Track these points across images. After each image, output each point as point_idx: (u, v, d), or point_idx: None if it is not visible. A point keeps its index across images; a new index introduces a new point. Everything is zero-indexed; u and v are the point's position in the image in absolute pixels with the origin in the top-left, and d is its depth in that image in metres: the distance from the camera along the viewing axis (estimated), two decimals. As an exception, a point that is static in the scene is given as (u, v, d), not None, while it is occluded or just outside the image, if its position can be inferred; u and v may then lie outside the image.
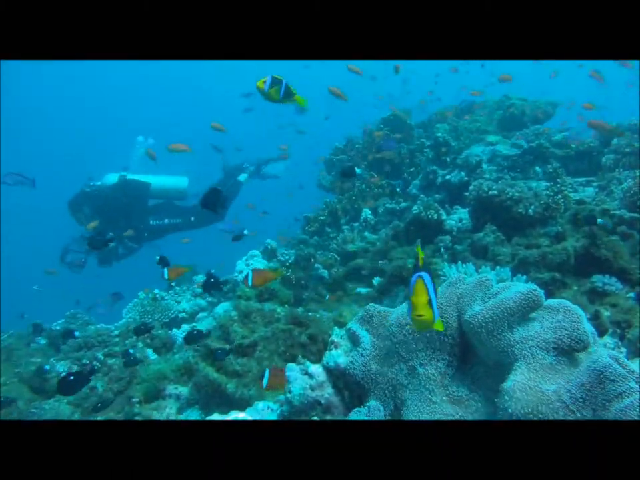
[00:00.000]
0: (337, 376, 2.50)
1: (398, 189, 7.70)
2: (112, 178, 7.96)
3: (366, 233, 6.69)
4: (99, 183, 7.94)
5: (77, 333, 5.77)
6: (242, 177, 9.09)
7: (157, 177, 8.32)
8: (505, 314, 2.11)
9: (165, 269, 4.15)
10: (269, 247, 6.74)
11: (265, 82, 2.75)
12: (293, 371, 2.55)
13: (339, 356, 2.53)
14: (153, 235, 8.13)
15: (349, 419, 2.21)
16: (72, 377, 3.10)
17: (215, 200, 2.86)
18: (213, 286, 4.43)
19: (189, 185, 8.49)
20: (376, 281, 5.11)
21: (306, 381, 2.50)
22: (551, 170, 6.62)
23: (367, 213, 7.26)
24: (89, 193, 7.69)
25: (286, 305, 4.52)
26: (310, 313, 4.08)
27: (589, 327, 2.08)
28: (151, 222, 8.07)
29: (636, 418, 1.71)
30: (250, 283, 3.54)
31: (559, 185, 5.02)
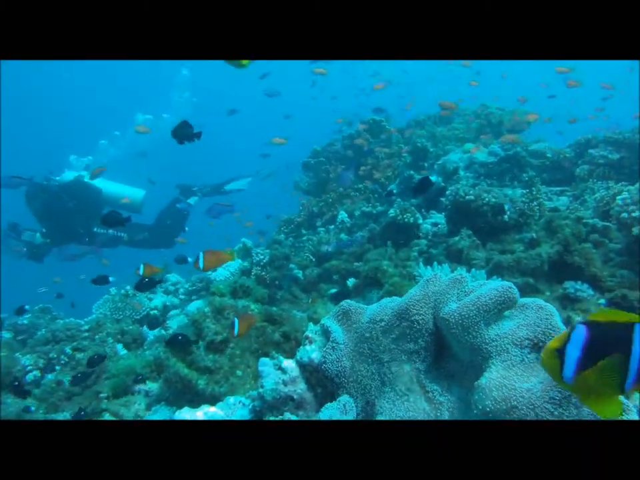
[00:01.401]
0: (310, 371, 2.48)
1: (377, 194, 7.72)
2: (69, 176, 7.80)
3: (342, 235, 6.69)
4: (57, 178, 7.78)
5: (27, 307, 5.72)
6: (192, 200, 8.88)
7: (113, 184, 8.14)
8: (481, 311, 2.10)
9: (141, 265, 4.10)
10: (244, 245, 6.69)
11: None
12: (265, 365, 2.52)
13: (312, 351, 2.50)
14: (97, 241, 7.89)
15: (321, 414, 2.19)
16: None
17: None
18: (146, 286, 4.38)
19: (144, 198, 8.30)
20: (350, 282, 5.11)
21: (279, 375, 2.47)
22: (526, 178, 6.71)
23: (343, 215, 7.25)
24: (43, 187, 7.51)
25: (260, 303, 4.48)
26: (284, 311, 4.04)
27: (562, 325, 2.09)
28: (95, 229, 7.84)
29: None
30: (201, 265, 3.44)
31: (534, 192, 5.07)
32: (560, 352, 1.30)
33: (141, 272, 4.06)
